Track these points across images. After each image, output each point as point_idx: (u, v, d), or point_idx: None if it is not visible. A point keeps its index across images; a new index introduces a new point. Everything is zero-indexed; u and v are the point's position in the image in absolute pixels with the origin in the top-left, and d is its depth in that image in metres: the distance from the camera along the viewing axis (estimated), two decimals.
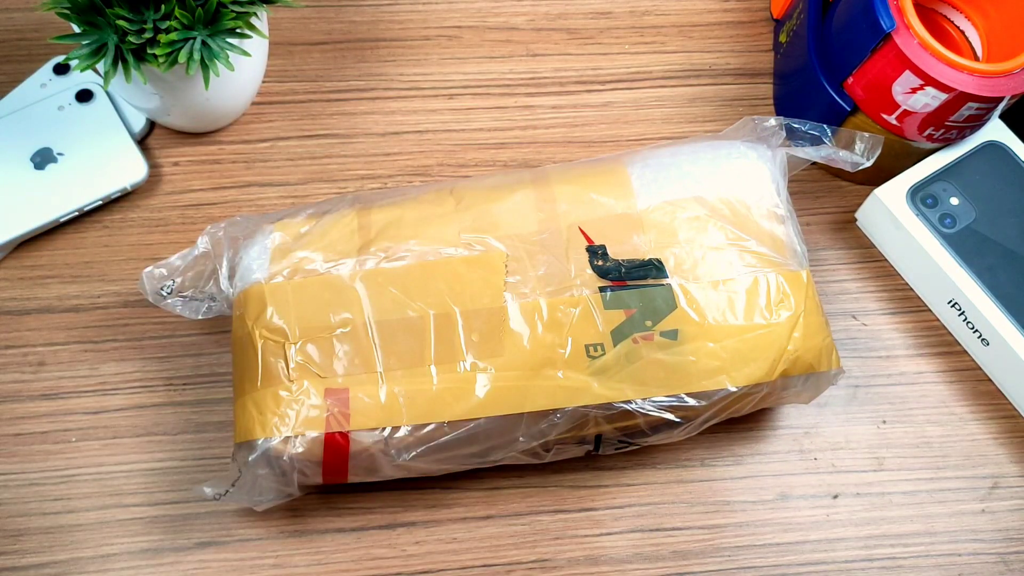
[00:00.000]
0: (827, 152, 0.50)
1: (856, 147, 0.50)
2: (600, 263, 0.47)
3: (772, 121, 0.51)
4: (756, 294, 0.46)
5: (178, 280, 0.50)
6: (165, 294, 0.50)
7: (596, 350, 0.45)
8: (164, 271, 0.50)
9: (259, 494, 0.45)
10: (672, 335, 0.46)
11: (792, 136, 0.51)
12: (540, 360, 0.45)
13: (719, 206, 0.48)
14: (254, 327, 0.46)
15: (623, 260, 0.47)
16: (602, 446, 0.48)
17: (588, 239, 0.47)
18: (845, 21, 0.54)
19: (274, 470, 0.45)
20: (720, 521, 0.51)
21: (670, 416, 0.46)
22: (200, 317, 0.50)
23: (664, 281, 0.46)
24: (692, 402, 0.45)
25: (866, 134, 0.50)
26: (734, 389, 0.45)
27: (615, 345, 0.45)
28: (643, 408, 0.45)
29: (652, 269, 0.47)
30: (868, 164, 0.50)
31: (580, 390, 0.45)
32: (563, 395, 0.45)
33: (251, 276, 0.48)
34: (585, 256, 0.47)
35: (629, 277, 0.46)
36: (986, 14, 0.57)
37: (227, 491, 0.45)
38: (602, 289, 0.46)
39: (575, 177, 0.50)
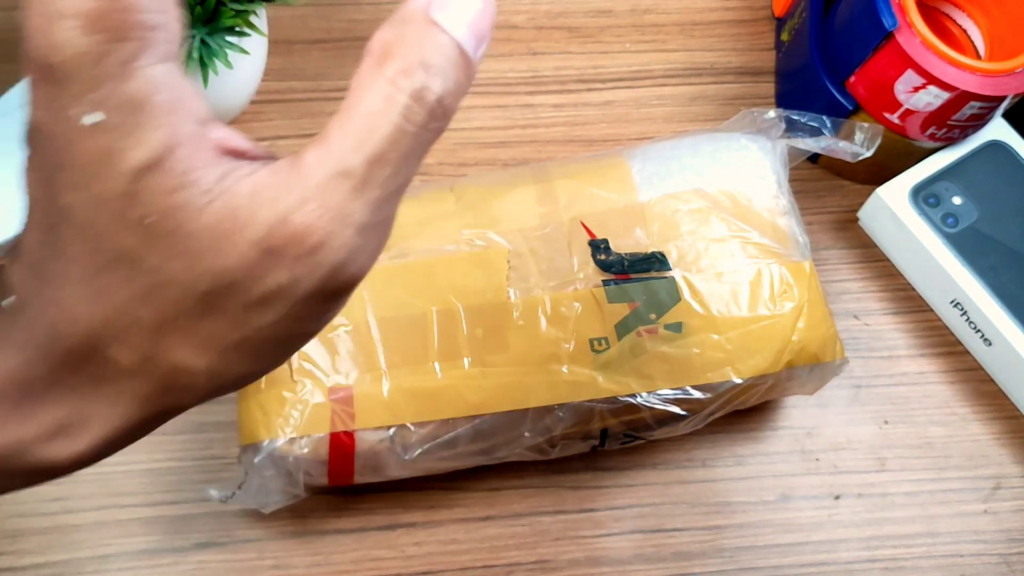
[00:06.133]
0: (827, 143, 0.50)
1: (856, 137, 0.50)
2: (603, 257, 0.47)
3: (771, 113, 0.51)
4: (759, 285, 0.46)
5: None
6: None
7: (600, 344, 0.45)
8: None
9: (266, 496, 0.45)
10: (676, 328, 0.45)
11: (792, 128, 0.51)
12: (544, 355, 0.45)
13: (720, 198, 0.48)
14: None
15: (626, 254, 0.47)
16: (608, 441, 0.48)
17: (590, 233, 0.47)
18: (847, 20, 0.54)
19: (280, 472, 0.45)
20: (721, 522, 0.50)
21: (676, 409, 0.45)
22: None
23: (667, 274, 0.46)
24: (697, 394, 0.45)
25: (865, 124, 0.50)
26: (739, 381, 0.45)
27: (619, 339, 0.45)
28: (648, 402, 0.45)
29: (655, 262, 0.47)
30: (868, 154, 0.50)
31: (585, 384, 0.45)
32: (568, 390, 0.45)
33: None
34: (587, 250, 0.47)
35: (632, 270, 0.46)
36: (989, 13, 0.57)
37: (233, 493, 0.45)
38: (605, 283, 0.46)
39: (576, 171, 0.50)
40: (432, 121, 0.21)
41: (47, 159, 0.21)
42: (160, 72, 0.20)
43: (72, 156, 0.20)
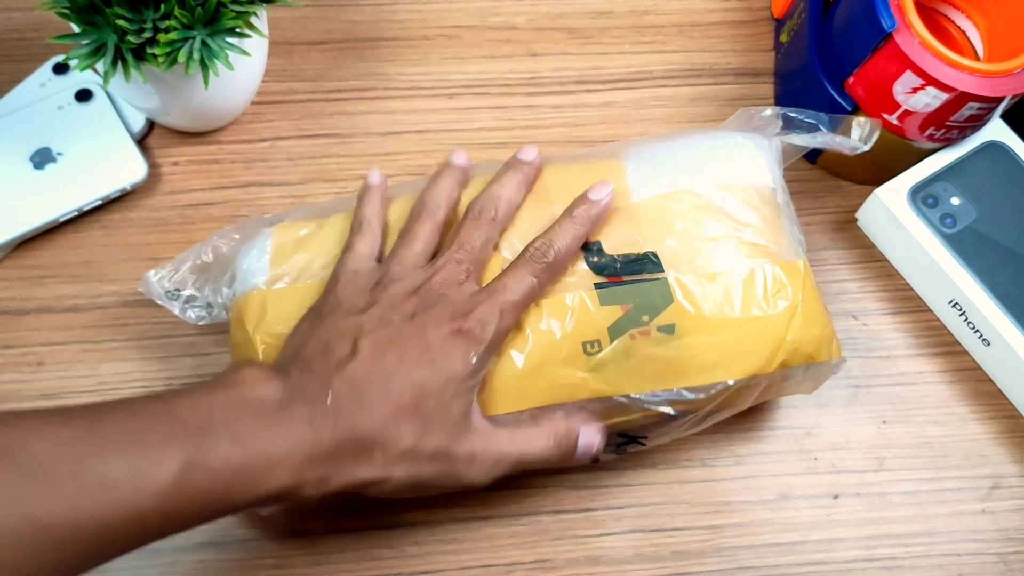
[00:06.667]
0: (824, 138, 0.50)
1: (853, 132, 0.50)
2: (595, 259, 0.46)
3: (769, 111, 0.51)
4: (753, 285, 0.46)
5: (186, 292, 0.50)
6: (171, 298, 0.50)
7: (593, 347, 0.45)
8: (168, 273, 0.50)
9: None
10: (669, 329, 0.45)
11: (789, 125, 0.51)
12: (537, 358, 0.45)
13: (714, 197, 0.48)
14: (254, 332, 0.46)
15: (618, 255, 0.47)
16: (602, 453, 0.48)
17: None
18: (846, 21, 0.54)
19: None
20: (720, 521, 0.51)
21: (668, 410, 0.45)
22: (201, 323, 0.50)
23: (660, 275, 0.46)
24: (690, 396, 0.45)
25: (863, 119, 0.50)
26: (732, 382, 0.45)
27: (612, 341, 0.45)
28: (641, 402, 0.45)
29: (648, 263, 0.46)
30: (866, 148, 0.50)
31: (577, 386, 0.45)
32: (560, 392, 0.45)
33: (251, 280, 0.48)
34: (581, 253, 0.47)
35: (625, 272, 0.46)
36: (987, 14, 0.57)
37: None
38: (598, 285, 0.46)
39: (571, 173, 0.50)
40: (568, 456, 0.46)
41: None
42: None
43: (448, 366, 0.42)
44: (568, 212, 0.46)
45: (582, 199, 0.47)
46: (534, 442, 0.44)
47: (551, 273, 0.45)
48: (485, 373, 0.43)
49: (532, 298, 0.44)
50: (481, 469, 0.43)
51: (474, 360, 0.42)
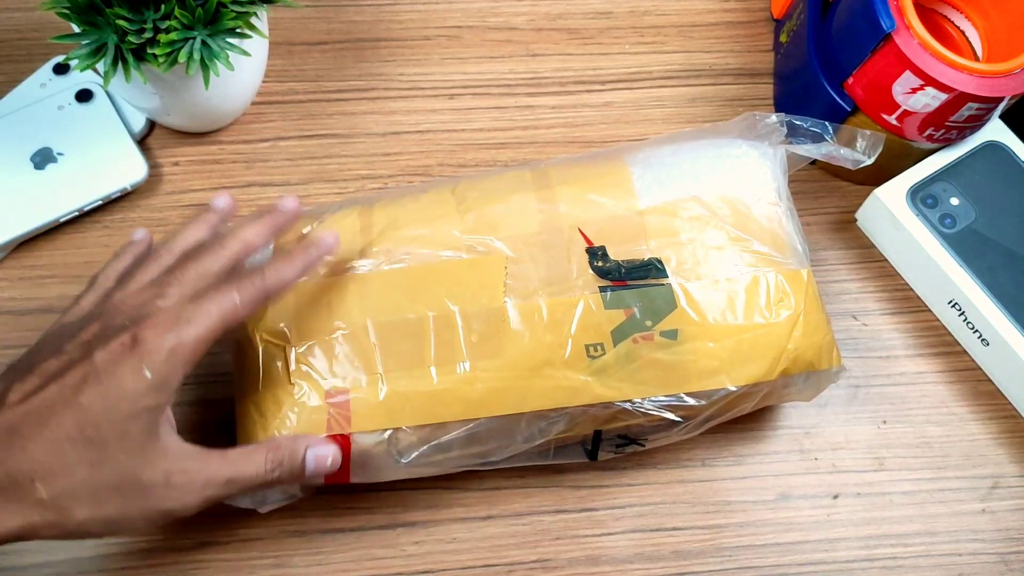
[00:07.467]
0: (828, 149, 0.50)
1: (857, 144, 0.50)
2: (600, 264, 0.47)
3: (773, 118, 0.51)
4: (756, 293, 0.46)
5: None
6: None
7: (596, 350, 0.45)
8: None
9: (262, 495, 0.45)
10: (672, 335, 0.45)
11: (793, 133, 0.51)
12: (540, 360, 0.45)
13: (719, 205, 0.48)
14: (255, 330, 0.46)
15: (623, 261, 0.47)
16: (600, 451, 0.48)
17: (588, 241, 0.47)
18: (845, 21, 0.55)
19: None
20: (721, 521, 0.51)
21: (670, 415, 0.46)
22: None
23: (664, 281, 0.46)
24: (691, 401, 0.45)
25: (867, 131, 0.50)
26: (733, 388, 0.45)
27: (615, 345, 0.45)
28: (642, 407, 0.45)
29: (652, 269, 0.47)
30: (869, 162, 0.50)
31: (580, 390, 0.45)
32: (563, 395, 0.45)
33: None
34: (586, 257, 0.47)
35: (629, 277, 0.46)
36: (986, 14, 0.57)
37: None
38: (602, 289, 0.46)
39: (576, 177, 0.50)
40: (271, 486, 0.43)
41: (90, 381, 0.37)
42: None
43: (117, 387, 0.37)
44: (289, 250, 0.44)
45: (307, 241, 0.44)
46: (249, 460, 0.41)
47: (260, 296, 0.41)
48: (173, 389, 0.39)
49: (232, 316, 0.40)
50: (185, 494, 0.39)
51: (149, 374, 0.37)
